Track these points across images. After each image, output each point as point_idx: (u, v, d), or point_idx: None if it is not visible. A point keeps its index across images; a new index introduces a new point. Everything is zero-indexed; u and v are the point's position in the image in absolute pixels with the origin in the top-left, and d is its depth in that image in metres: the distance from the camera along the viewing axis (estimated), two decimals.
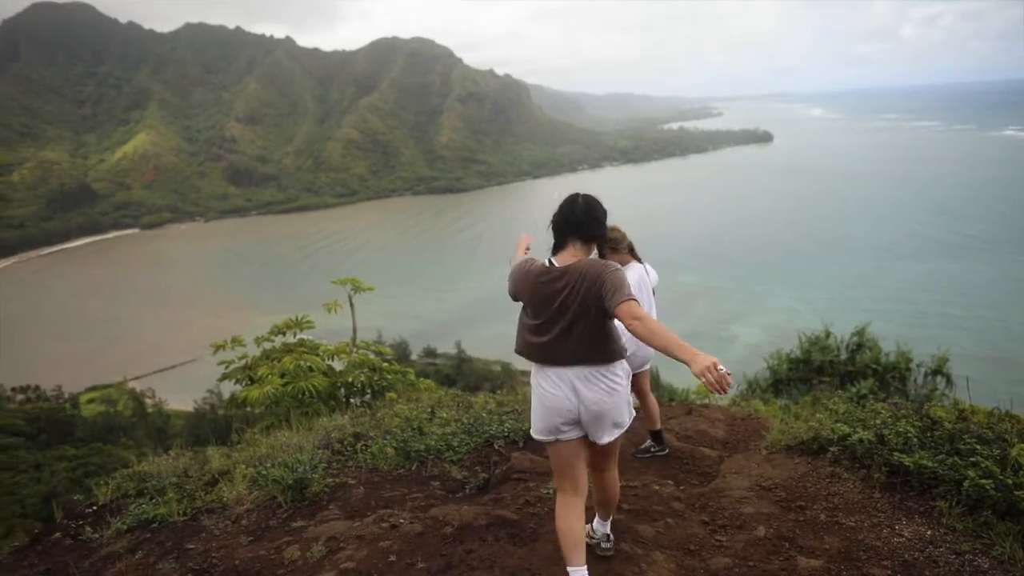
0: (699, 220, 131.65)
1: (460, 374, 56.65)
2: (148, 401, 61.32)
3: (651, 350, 4.58)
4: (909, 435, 4.39)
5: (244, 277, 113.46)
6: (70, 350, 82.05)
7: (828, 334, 9.43)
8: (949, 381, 8.81)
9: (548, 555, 3.54)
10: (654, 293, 5.06)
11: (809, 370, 9.38)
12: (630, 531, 3.84)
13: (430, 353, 68.54)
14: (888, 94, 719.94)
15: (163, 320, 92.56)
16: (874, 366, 8.95)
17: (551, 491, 4.20)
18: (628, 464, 5.14)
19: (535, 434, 3.30)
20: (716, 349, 68.16)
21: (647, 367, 5.12)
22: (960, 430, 4.45)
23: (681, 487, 4.70)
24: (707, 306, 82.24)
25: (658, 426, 5.32)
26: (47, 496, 30.07)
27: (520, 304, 3.31)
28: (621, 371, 3.17)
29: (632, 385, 4.84)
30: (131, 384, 68.31)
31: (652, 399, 5.22)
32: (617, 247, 4.84)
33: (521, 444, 5.46)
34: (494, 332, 77.62)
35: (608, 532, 3.61)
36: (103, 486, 5.61)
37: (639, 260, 4.99)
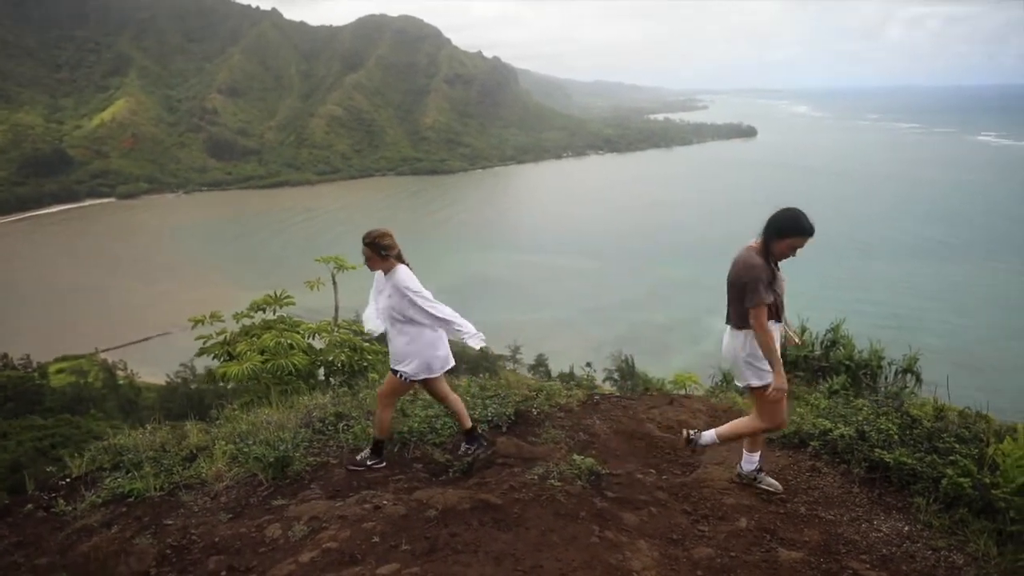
0: (680, 212, 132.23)
1: None
2: (119, 373, 60.45)
3: (444, 355, 4.86)
4: (890, 432, 4.45)
5: (222, 251, 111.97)
6: (40, 319, 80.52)
7: (803, 330, 9.52)
8: (919, 380, 8.95)
9: (533, 540, 3.54)
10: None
11: (784, 364, 9.46)
12: (614, 519, 3.85)
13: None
14: (872, 94, 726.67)
15: (137, 292, 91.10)
16: (847, 363, 9.04)
17: (536, 477, 4.20)
18: (611, 452, 5.16)
19: None
20: (691, 340, 68.94)
21: (439, 373, 4.91)
22: (938, 428, 4.53)
23: (664, 476, 4.72)
24: (685, 298, 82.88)
25: (469, 424, 5.02)
26: (13, 466, 29.56)
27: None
28: (728, 337, 4.38)
29: (431, 390, 5.02)
30: (102, 356, 67.26)
31: (454, 397, 5.07)
32: (389, 254, 4.79)
33: (504, 429, 5.45)
34: (472, 317, 77.07)
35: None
36: (77, 458, 5.52)
37: (405, 263, 4.93)
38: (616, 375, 47.91)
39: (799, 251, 3.99)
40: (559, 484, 4.09)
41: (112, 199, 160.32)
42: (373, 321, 4.98)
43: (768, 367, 4.06)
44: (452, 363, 4.98)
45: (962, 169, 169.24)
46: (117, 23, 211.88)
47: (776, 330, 4.16)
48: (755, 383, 4.15)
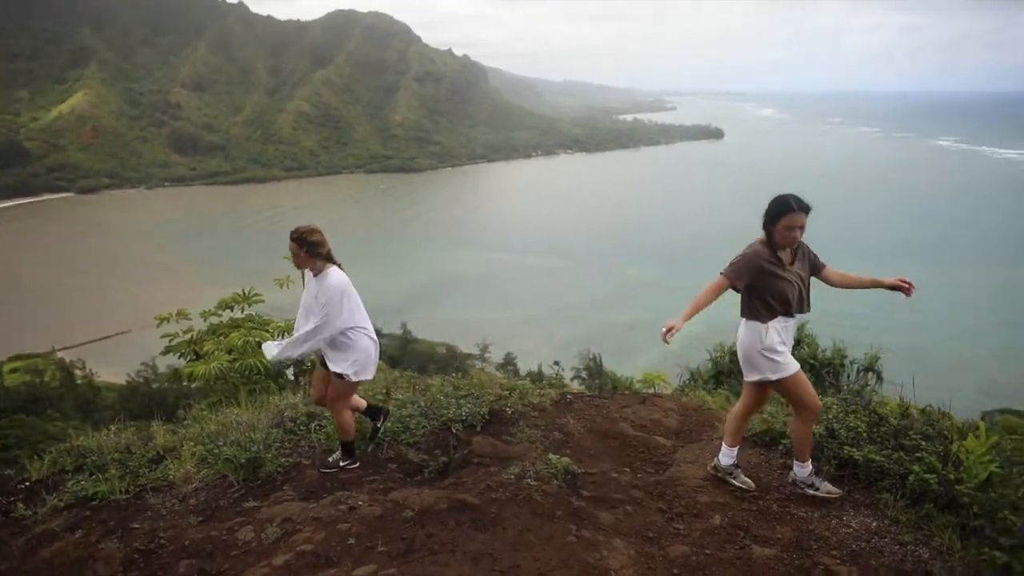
0: (648, 213, 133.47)
1: (405, 355, 56.23)
2: (77, 372, 58.84)
3: (375, 362, 4.73)
4: (859, 430, 4.54)
5: (186, 249, 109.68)
6: None
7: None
8: (880, 378, 9.18)
9: (510, 540, 3.53)
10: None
11: None
12: (590, 517, 3.86)
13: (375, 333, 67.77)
14: (835, 98, 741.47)
15: (97, 290, 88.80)
16: (811, 361, 9.22)
17: (512, 476, 4.19)
18: (585, 451, 5.17)
19: None
20: (657, 339, 69.36)
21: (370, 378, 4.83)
22: (904, 426, 4.63)
23: (638, 475, 4.75)
24: (652, 299, 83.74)
25: (349, 438, 4.82)
26: None
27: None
28: (743, 328, 4.33)
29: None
30: (60, 354, 65.41)
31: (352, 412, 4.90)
32: (319, 252, 4.54)
33: (479, 428, 5.43)
34: (441, 314, 77.35)
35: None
36: (36, 461, 5.35)
37: (336, 264, 4.67)
38: (584, 374, 48.15)
39: (801, 230, 4.00)
40: (536, 483, 4.09)
41: (70, 194, 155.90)
42: (271, 349, 4.78)
43: (783, 360, 4.13)
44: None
45: (921, 172, 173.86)
46: (77, 13, 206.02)
47: (785, 325, 4.19)
48: (771, 376, 4.17)
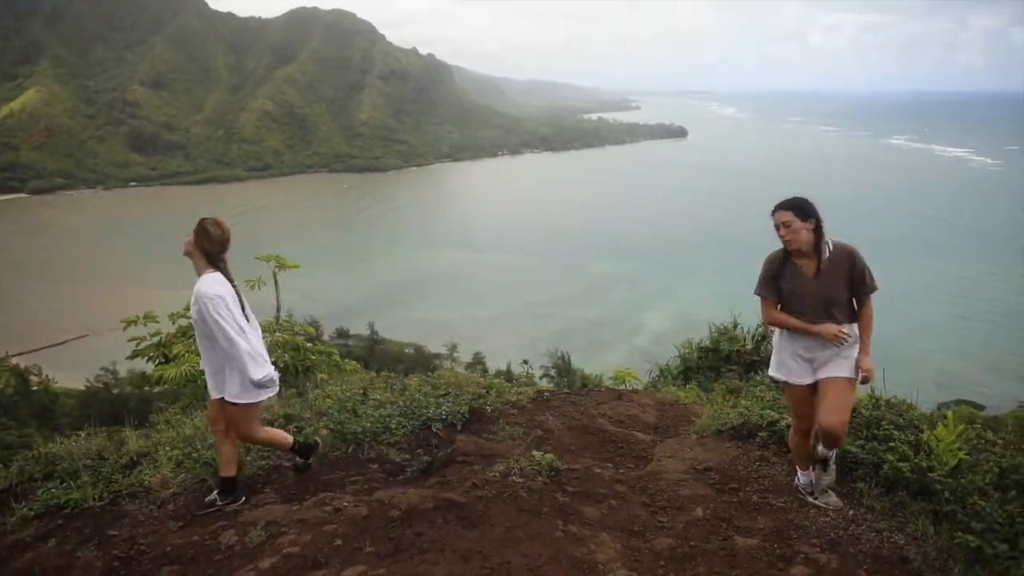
0: (613, 211, 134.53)
1: (373, 356, 55.79)
2: (33, 379, 57.07)
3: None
4: None
5: (145, 250, 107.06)
6: None
7: (736, 325, 9.84)
8: None
9: (498, 537, 3.54)
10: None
11: (718, 359, 9.77)
12: (576, 513, 3.90)
13: (342, 334, 67.07)
14: (795, 97, 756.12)
15: (52, 293, 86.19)
16: None
17: (497, 474, 4.21)
18: (566, 448, 5.21)
19: None
20: (625, 335, 70.37)
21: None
22: (876, 417, 4.76)
23: (620, 470, 4.81)
24: (617, 295, 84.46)
25: (230, 472, 4.27)
26: None
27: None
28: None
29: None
30: (14, 360, 63.34)
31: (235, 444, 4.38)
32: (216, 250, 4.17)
33: (459, 427, 5.44)
34: (408, 314, 76.92)
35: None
36: (2, 469, 5.20)
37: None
38: (553, 372, 48.35)
39: (784, 227, 3.89)
40: (521, 480, 4.11)
41: (23, 194, 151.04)
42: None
43: (791, 367, 4.09)
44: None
45: (875, 170, 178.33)
46: (28, 7, 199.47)
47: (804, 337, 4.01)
48: (776, 376, 4.22)
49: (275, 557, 3.42)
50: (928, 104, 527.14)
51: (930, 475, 4.01)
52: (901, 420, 4.70)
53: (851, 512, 4.02)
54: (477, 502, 3.89)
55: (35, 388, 54.12)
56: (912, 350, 60.52)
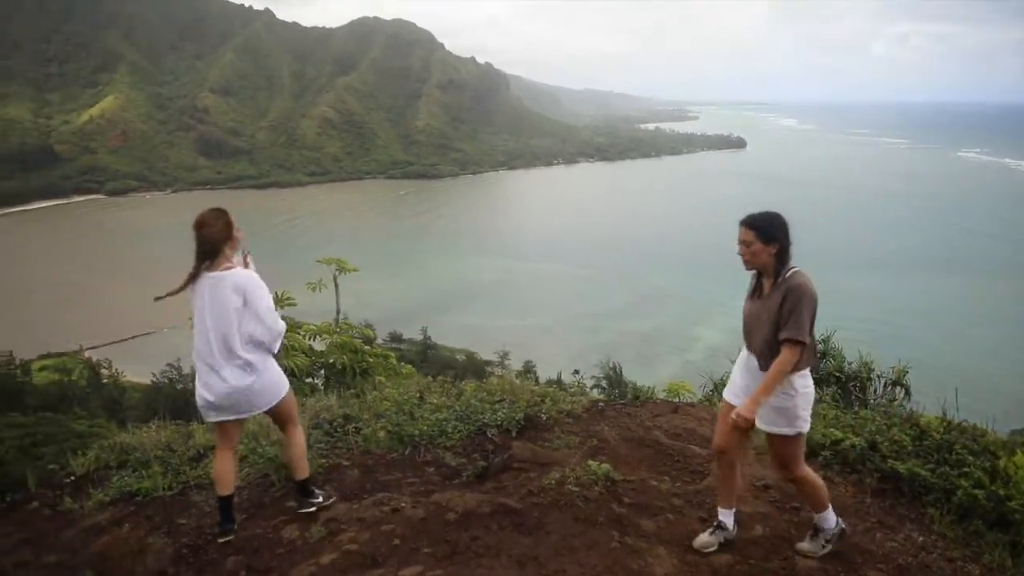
0: (669, 222, 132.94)
1: (425, 361, 56.36)
2: (104, 372, 59.81)
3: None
4: (903, 443, 4.49)
5: None
6: (25, 315, 79.50)
7: None
8: (908, 393, 9.07)
9: (554, 545, 3.54)
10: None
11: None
12: (632, 524, 3.86)
13: (396, 338, 68.05)
14: (859, 108, 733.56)
15: (124, 290, 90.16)
16: (837, 374, 9.13)
17: (553, 482, 4.21)
18: (621, 459, 5.17)
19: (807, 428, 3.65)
20: (678, 349, 69.30)
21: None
22: (949, 441, 4.58)
23: (676, 484, 4.74)
24: (670, 308, 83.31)
25: (227, 492, 3.94)
26: None
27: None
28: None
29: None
30: (87, 353, 66.52)
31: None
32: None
33: (514, 433, 5.45)
34: (460, 321, 77.54)
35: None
36: (80, 456, 5.46)
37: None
38: (604, 383, 47.86)
39: (743, 245, 3.50)
40: (577, 489, 4.10)
41: (100, 196, 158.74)
42: None
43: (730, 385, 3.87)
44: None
45: (948, 184, 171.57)
46: (107, 18, 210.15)
47: (747, 358, 3.68)
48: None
49: (335, 553, 3.50)
50: (1000, 116, 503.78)
51: (1008, 504, 3.83)
52: (975, 445, 4.51)
53: (920, 538, 3.87)
54: (533, 509, 3.90)
55: (105, 381, 56.68)
56: (985, 374, 57.78)
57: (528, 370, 57.63)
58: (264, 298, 3.87)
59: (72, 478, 5.10)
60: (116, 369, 60.49)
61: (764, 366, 3.49)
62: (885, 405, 8.27)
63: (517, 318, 79.17)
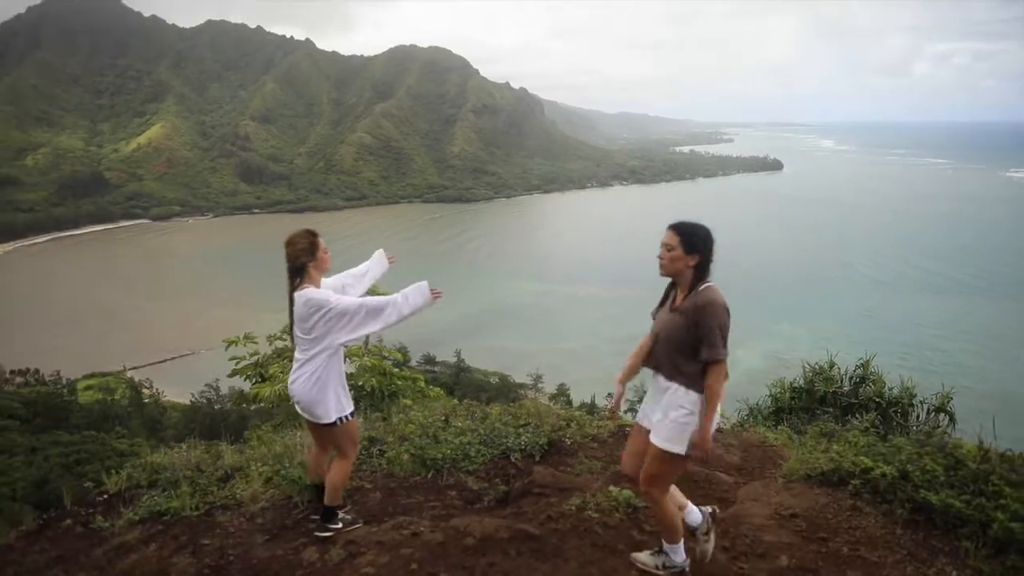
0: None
1: (458, 384, 56.49)
2: (145, 391, 61.24)
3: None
4: (935, 473, 4.35)
5: (251, 274, 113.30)
6: (71, 336, 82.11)
7: (832, 364, 9.40)
8: (952, 420, 8.77)
9: (572, 572, 3.50)
10: None
11: (812, 400, 9.35)
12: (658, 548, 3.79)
13: (429, 360, 68.45)
14: (899, 129, 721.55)
15: (166, 312, 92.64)
16: (877, 399, 8.89)
17: (573, 508, 4.17)
18: None
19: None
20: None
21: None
22: (985, 471, 4.41)
23: None
24: None
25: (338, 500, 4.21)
26: (39, 481, 29.94)
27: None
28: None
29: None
30: (130, 373, 68.26)
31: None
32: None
33: (538, 458, 5.43)
34: (494, 344, 77.59)
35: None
36: (114, 475, 5.59)
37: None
38: (637, 406, 47.26)
39: (664, 247, 3.42)
40: (597, 515, 4.06)
41: (145, 220, 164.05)
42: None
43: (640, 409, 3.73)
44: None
45: (993, 205, 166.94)
46: (157, 52, 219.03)
47: (654, 378, 3.60)
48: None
49: None
50: None
51: None
52: (1014, 476, 4.33)
53: (954, 572, 3.73)
54: (552, 535, 3.87)
55: (146, 400, 57.98)
56: None
57: (561, 393, 57.36)
58: (310, 318, 4.01)
59: (105, 496, 5.22)
60: (157, 389, 61.88)
61: (667, 375, 3.43)
62: (926, 432, 8.02)
63: (551, 341, 78.95)
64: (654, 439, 3.41)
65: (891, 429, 8.12)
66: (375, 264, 4.63)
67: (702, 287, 3.34)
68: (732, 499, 5.01)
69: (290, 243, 4.12)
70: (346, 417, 4.08)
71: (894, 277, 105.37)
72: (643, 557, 3.60)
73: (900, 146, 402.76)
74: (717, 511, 3.70)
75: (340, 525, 4.14)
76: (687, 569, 3.59)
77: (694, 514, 3.59)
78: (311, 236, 4.13)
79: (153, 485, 5.23)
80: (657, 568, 3.55)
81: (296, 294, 4.06)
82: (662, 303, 3.58)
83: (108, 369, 68.40)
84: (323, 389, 3.99)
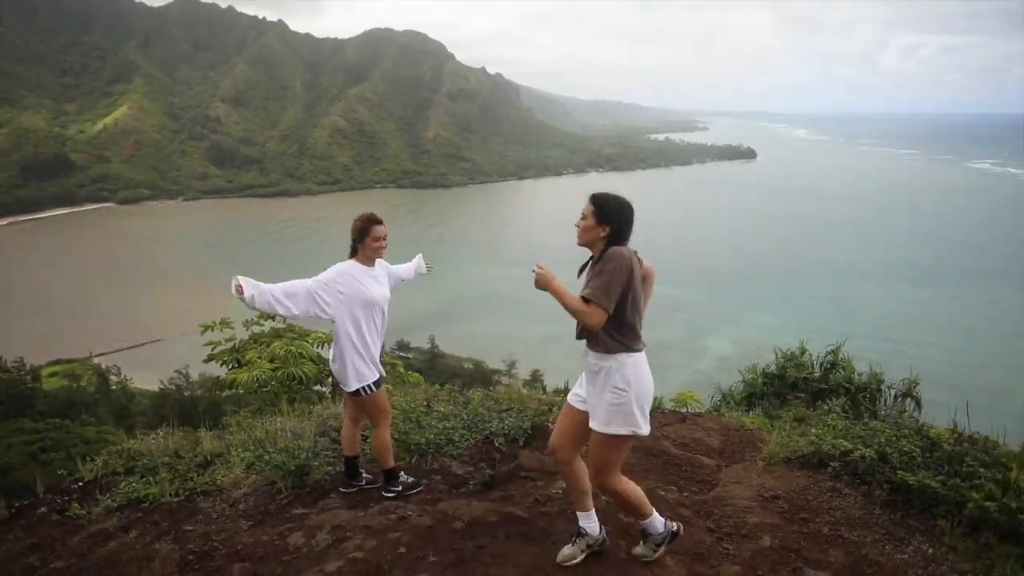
0: (679, 232, 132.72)
1: (432, 369, 56.40)
2: (113, 378, 60.15)
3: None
4: (913, 454, 4.45)
5: (221, 258, 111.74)
6: (35, 322, 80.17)
7: (803, 351, 9.56)
8: (918, 404, 8.98)
9: None
10: None
11: (783, 385, 9.50)
12: (640, 535, 3.83)
13: (403, 346, 68.14)
14: (870, 119, 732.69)
15: (132, 298, 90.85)
16: (847, 385, 9.06)
17: (560, 491, 4.19)
18: (628, 468, 5.14)
19: (646, 430, 3.35)
20: (687, 359, 68.97)
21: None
22: (959, 452, 4.53)
23: (684, 494, 4.71)
24: (681, 318, 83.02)
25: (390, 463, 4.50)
26: (3, 468, 29.30)
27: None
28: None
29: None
30: (96, 360, 66.94)
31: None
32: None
33: (521, 443, 5.44)
34: (467, 330, 77.55)
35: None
36: (88, 462, 5.48)
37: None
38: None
39: (580, 219, 3.46)
40: None
41: (112, 204, 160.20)
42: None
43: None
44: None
45: (962, 195, 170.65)
46: (124, 30, 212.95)
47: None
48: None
49: (341, 561, 3.50)
50: (1008, 127, 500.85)
51: (1020, 516, 3.78)
52: (987, 457, 4.45)
53: (930, 551, 3.83)
54: (540, 518, 3.89)
55: (114, 387, 56.95)
56: (995, 385, 57.22)
57: (536, 379, 57.59)
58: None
59: (80, 484, 5.12)
60: (125, 376, 60.80)
61: (590, 344, 3.40)
62: (895, 417, 8.21)
63: (525, 327, 79.11)
64: (593, 424, 3.34)
65: (859, 414, 8.31)
66: (410, 265, 5.22)
67: (610, 250, 3.31)
68: (715, 482, 5.08)
69: (355, 221, 4.41)
70: (369, 387, 4.30)
71: (866, 267, 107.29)
72: (639, 550, 3.59)
73: (870, 136, 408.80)
74: (681, 532, 3.61)
75: (400, 487, 4.43)
76: (677, 529, 3.59)
77: (657, 523, 3.51)
78: (366, 223, 4.36)
79: (130, 472, 5.15)
80: (654, 550, 3.55)
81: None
82: (580, 272, 3.52)
83: (73, 356, 67.00)
84: (342, 360, 4.28)
